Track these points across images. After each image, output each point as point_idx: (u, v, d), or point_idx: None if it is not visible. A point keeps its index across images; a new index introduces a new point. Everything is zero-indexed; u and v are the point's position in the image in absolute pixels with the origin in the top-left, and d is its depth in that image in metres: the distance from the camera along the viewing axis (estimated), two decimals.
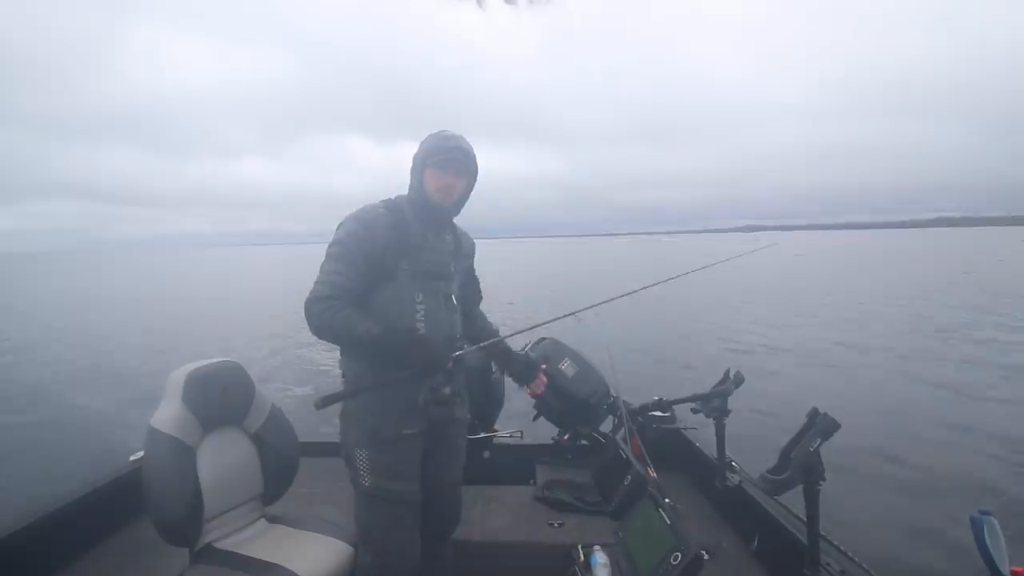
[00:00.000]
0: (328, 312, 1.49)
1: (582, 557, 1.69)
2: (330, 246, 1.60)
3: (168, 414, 1.62)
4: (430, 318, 1.62)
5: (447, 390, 1.63)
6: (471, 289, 1.91)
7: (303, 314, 1.52)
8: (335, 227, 1.63)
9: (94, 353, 10.16)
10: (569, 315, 1.91)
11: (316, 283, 1.55)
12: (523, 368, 1.90)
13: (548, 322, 1.89)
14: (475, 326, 1.93)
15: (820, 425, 1.34)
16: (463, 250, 1.81)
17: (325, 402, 1.46)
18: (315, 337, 1.55)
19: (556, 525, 2.18)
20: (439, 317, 1.64)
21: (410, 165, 1.67)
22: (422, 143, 1.66)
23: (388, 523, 1.62)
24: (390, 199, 1.69)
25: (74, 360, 9.65)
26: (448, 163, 1.61)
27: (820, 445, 1.33)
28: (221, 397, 1.74)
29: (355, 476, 1.63)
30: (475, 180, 1.71)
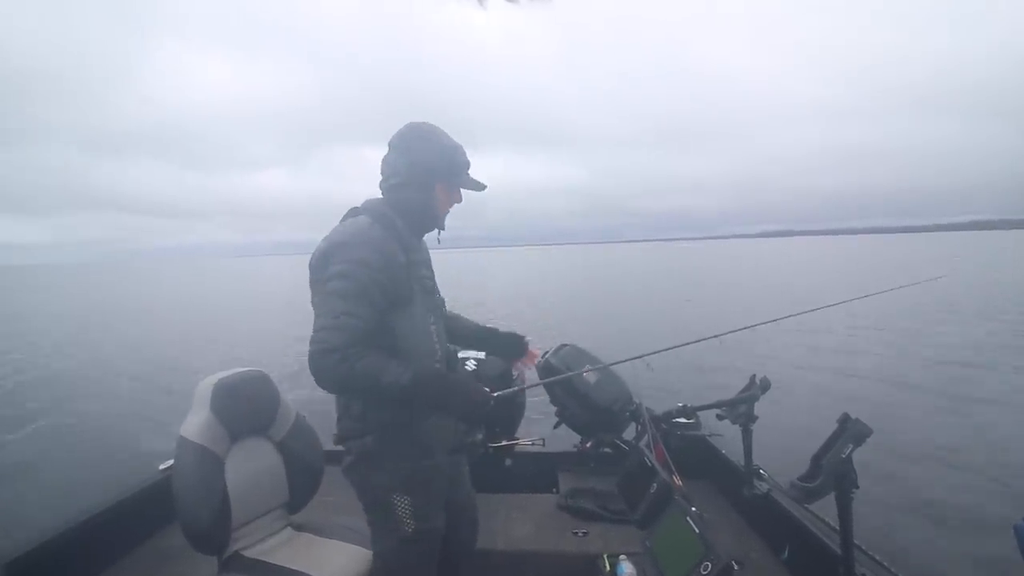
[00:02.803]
0: (345, 364, 1.25)
1: (608, 567, 1.67)
2: (335, 278, 1.32)
3: (196, 423, 1.64)
4: (441, 339, 1.53)
5: (479, 436, 1.52)
6: None
7: (309, 367, 1.28)
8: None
9: (124, 363, 10.41)
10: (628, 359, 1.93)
11: (323, 329, 1.28)
12: (511, 343, 1.84)
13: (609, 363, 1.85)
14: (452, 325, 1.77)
15: (852, 431, 1.30)
16: (429, 255, 1.65)
17: (342, 438, 1.45)
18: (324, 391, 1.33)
19: (580, 534, 2.16)
20: (443, 334, 1.56)
21: (401, 167, 1.46)
22: (422, 146, 1.46)
23: (426, 563, 1.54)
24: (373, 211, 1.45)
25: (105, 369, 9.90)
26: (467, 186, 1.54)
27: (852, 451, 1.30)
28: (248, 406, 1.77)
29: (393, 524, 1.48)
30: None
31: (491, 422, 2.63)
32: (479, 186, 1.56)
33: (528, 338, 1.88)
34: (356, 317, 1.29)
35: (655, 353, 1.90)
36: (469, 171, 1.53)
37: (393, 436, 1.45)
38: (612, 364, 2.23)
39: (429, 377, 1.34)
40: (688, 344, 2.05)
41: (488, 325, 1.86)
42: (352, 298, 1.30)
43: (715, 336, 2.02)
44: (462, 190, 1.57)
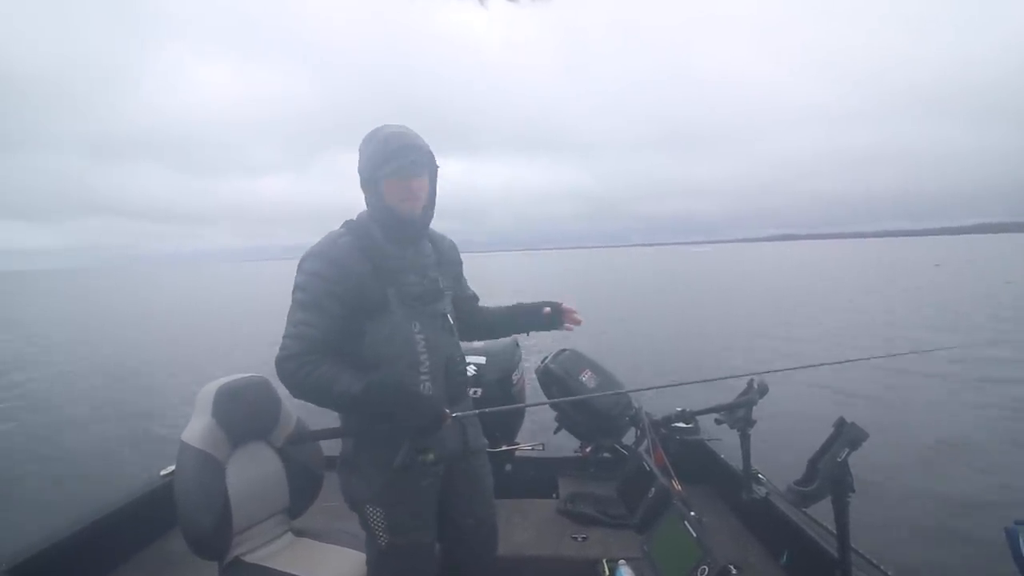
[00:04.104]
0: (301, 371, 1.32)
1: (607, 572, 1.67)
2: (295, 289, 1.40)
3: (198, 429, 1.66)
4: (431, 347, 1.46)
5: (430, 456, 1.37)
6: (465, 293, 1.73)
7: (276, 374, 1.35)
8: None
9: (126, 367, 10.43)
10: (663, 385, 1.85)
11: (285, 336, 1.36)
12: (549, 316, 1.67)
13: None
14: (484, 319, 1.75)
15: (847, 435, 1.31)
16: (446, 257, 1.61)
17: (299, 439, 1.42)
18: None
19: (580, 539, 2.17)
20: (440, 343, 1.49)
21: (358, 180, 1.46)
22: (364, 151, 1.43)
23: None
24: (352, 220, 1.50)
25: (108, 374, 9.91)
26: (406, 168, 1.39)
27: (848, 455, 1.30)
28: (249, 412, 1.77)
29: (369, 534, 1.50)
30: (436, 171, 1.50)
31: (490, 428, 2.64)
32: (425, 165, 1.43)
33: (564, 304, 1.70)
34: (311, 326, 1.35)
35: (679, 385, 1.82)
36: (409, 155, 1.39)
37: (369, 444, 1.45)
38: (629, 391, 2.19)
39: (381, 389, 1.32)
40: (713, 380, 1.96)
41: (514, 303, 1.75)
42: (308, 308, 1.37)
43: (749, 375, 1.90)
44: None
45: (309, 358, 1.33)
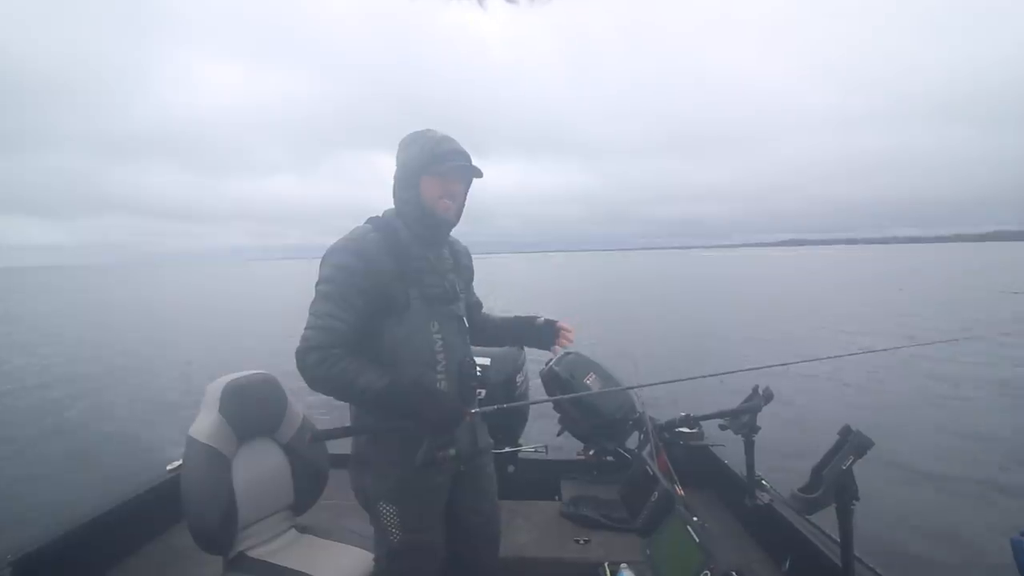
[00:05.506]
0: (324, 364, 1.31)
1: (609, 575, 1.67)
2: (319, 282, 1.40)
3: (205, 424, 1.67)
4: (448, 348, 1.48)
5: (452, 452, 1.40)
6: (471, 299, 1.75)
7: (295, 364, 1.34)
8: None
9: (136, 363, 10.50)
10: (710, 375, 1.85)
11: (307, 328, 1.36)
12: (542, 332, 1.69)
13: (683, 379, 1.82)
14: (485, 326, 1.77)
15: (852, 443, 1.31)
16: (461, 262, 1.66)
17: (319, 437, 1.42)
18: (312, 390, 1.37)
19: (582, 542, 2.17)
20: (455, 345, 1.51)
21: (396, 174, 1.49)
22: (408, 149, 1.46)
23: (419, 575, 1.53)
24: (377, 217, 1.51)
25: (117, 369, 9.98)
26: (454, 171, 1.45)
27: (853, 463, 1.30)
28: (256, 408, 1.79)
29: (381, 531, 1.50)
30: (471, 183, 1.55)
31: (493, 429, 2.64)
32: (473, 171, 1.49)
33: (559, 322, 1.71)
34: (338, 319, 1.35)
35: (681, 381, 1.85)
36: (459, 159, 1.45)
37: (383, 442, 1.46)
38: (633, 387, 2.20)
39: (404, 386, 1.34)
40: (721, 375, 1.95)
41: (512, 316, 1.78)
42: (334, 301, 1.36)
43: (771, 365, 1.88)
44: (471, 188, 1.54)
45: (334, 351, 1.33)
